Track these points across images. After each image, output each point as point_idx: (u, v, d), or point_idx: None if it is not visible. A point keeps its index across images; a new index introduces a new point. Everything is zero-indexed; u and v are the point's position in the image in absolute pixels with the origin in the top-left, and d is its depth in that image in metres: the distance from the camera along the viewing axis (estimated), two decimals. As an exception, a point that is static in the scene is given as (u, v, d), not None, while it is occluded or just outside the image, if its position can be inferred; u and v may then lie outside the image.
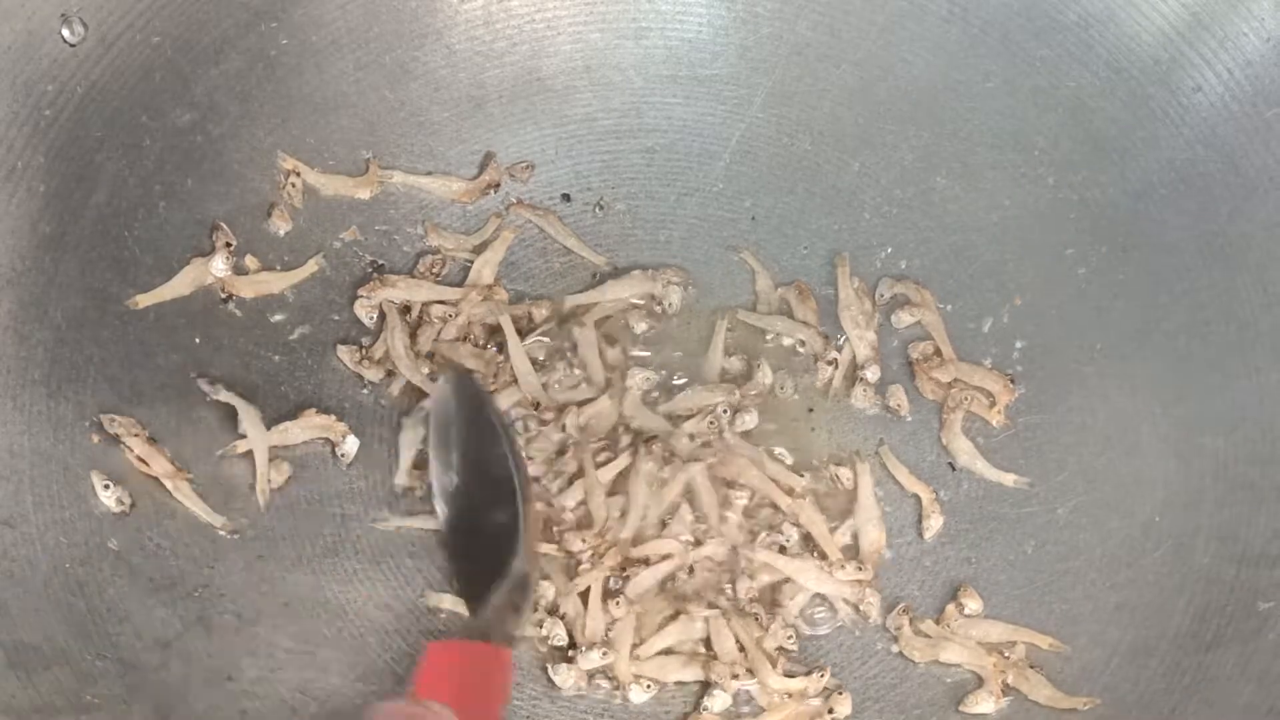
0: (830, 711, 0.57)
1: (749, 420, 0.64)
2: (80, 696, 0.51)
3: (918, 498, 0.63)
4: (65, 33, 0.57)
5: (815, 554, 0.61)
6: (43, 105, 0.57)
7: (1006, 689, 0.57)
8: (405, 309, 0.65)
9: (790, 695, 0.57)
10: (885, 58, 0.68)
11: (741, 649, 0.58)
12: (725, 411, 0.64)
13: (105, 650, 0.53)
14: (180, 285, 0.62)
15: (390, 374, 0.64)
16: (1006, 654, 0.58)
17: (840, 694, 0.57)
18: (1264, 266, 0.61)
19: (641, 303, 0.68)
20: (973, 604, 0.60)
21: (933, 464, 0.64)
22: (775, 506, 0.62)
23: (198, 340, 0.62)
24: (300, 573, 0.59)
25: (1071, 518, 0.62)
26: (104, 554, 0.55)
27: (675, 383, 0.66)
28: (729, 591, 0.60)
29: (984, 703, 0.57)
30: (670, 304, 0.68)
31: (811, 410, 0.65)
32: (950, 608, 0.60)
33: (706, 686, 0.58)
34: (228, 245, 0.63)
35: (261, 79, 0.64)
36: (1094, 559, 0.60)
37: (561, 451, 0.63)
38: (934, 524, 0.62)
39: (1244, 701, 0.54)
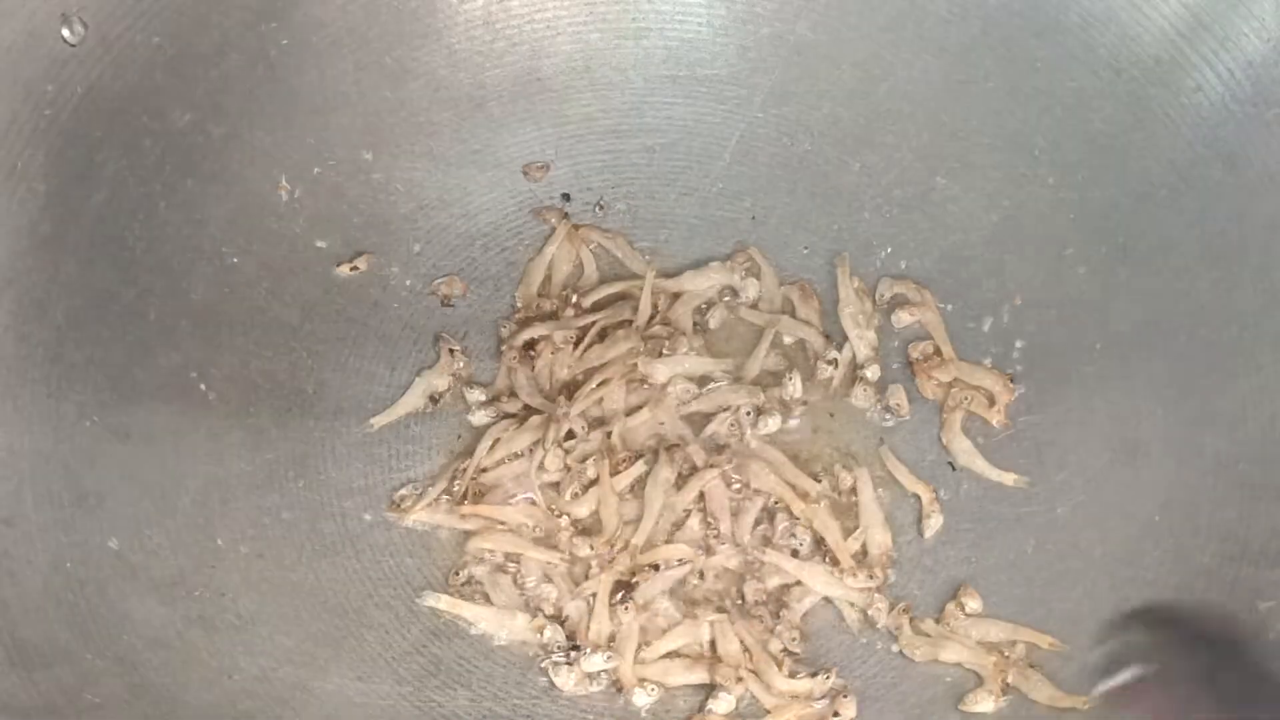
0: (835, 714, 0.57)
1: (771, 424, 0.64)
2: (80, 696, 0.51)
3: (918, 497, 0.63)
4: (65, 33, 0.57)
5: (826, 558, 0.61)
6: (43, 105, 0.57)
7: (1006, 688, 0.57)
8: (529, 344, 0.66)
9: (796, 697, 0.57)
10: (885, 58, 0.68)
11: (746, 651, 0.58)
12: (749, 414, 0.64)
13: (105, 650, 0.53)
14: (413, 400, 0.64)
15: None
16: (1007, 653, 0.58)
17: (845, 696, 0.57)
18: (1264, 266, 0.61)
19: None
20: (973, 603, 0.60)
21: (933, 463, 0.64)
22: (789, 511, 0.62)
23: (198, 340, 0.62)
24: (300, 572, 0.59)
25: (1071, 518, 0.62)
26: (104, 554, 0.55)
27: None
28: (735, 594, 0.61)
29: (984, 702, 0.57)
30: (747, 296, 0.68)
31: (833, 415, 0.65)
32: (951, 607, 0.60)
33: (711, 689, 0.58)
34: (451, 352, 0.65)
35: (261, 79, 0.64)
36: (1094, 559, 0.60)
37: (583, 458, 0.63)
38: (934, 523, 0.62)
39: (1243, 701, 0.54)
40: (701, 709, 0.58)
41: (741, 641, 0.59)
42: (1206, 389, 0.61)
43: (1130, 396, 0.63)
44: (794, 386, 0.65)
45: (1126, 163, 0.65)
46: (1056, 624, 0.59)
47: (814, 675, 0.58)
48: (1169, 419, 0.62)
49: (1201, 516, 0.59)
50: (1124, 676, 0.52)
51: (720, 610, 0.60)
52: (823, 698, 0.58)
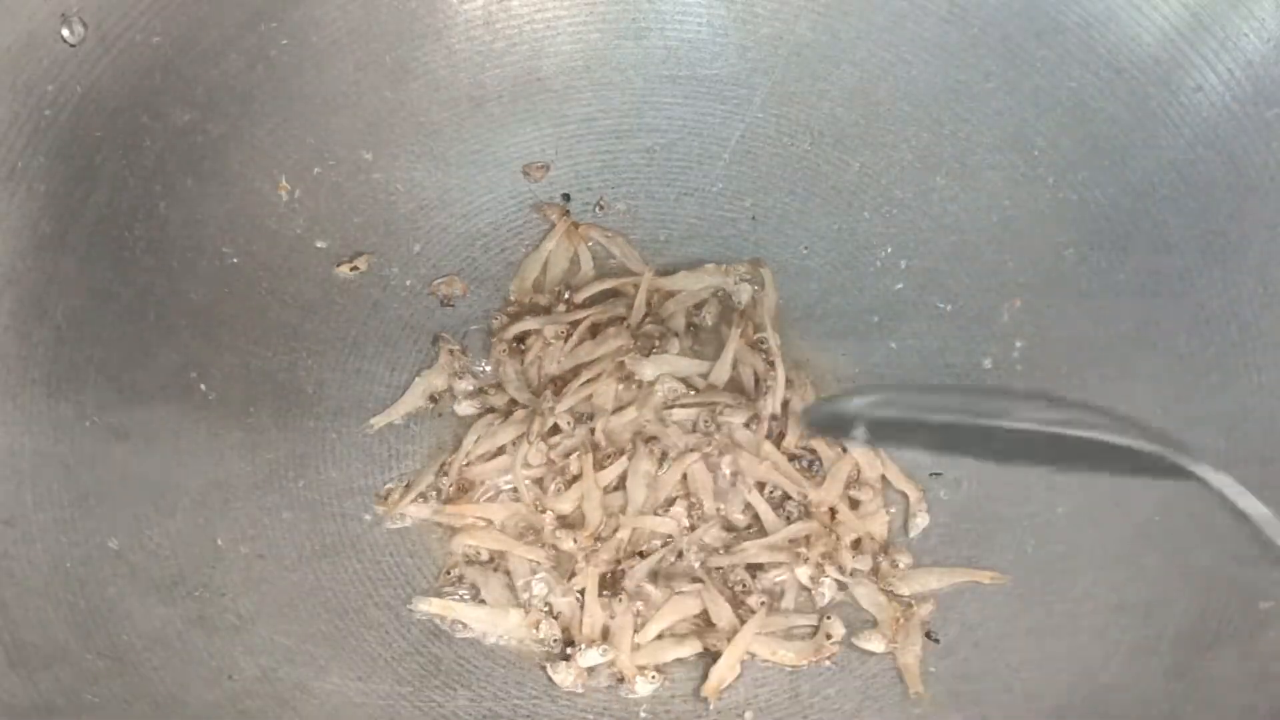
0: (828, 636, 0.59)
1: (736, 419, 0.64)
2: (80, 696, 0.51)
3: (905, 495, 0.63)
4: (65, 33, 0.57)
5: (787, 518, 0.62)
6: (43, 105, 0.57)
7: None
8: (519, 338, 0.66)
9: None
10: (885, 58, 0.68)
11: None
12: (727, 409, 0.64)
13: (105, 650, 0.53)
14: (412, 400, 0.65)
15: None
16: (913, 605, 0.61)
17: (829, 618, 0.59)
18: (1264, 266, 0.61)
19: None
20: (905, 559, 0.62)
21: (929, 464, 0.64)
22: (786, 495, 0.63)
23: (198, 340, 0.62)
24: (300, 572, 0.59)
25: (1071, 518, 0.62)
26: (104, 554, 0.55)
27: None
28: (712, 567, 0.61)
29: (874, 641, 0.60)
30: (739, 301, 0.68)
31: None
32: (885, 565, 0.62)
33: (710, 659, 0.58)
34: (451, 352, 0.65)
35: (261, 79, 0.64)
36: (1094, 559, 0.60)
37: (567, 454, 0.63)
38: (920, 522, 0.63)
39: (1244, 702, 0.54)
40: (702, 681, 0.58)
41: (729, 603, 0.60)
42: (1206, 389, 0.61)
43: (1130, 396, 0.63)
44: (775, 401, 0.64)
45: (1126, 163, 0.65)
46: (1056, 624, 0.59)
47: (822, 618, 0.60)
48: (1169, 419, 0.62)
49: (1201, 517, 0.59)
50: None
51: (696, 580, 0.60)
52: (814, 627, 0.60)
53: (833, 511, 0.62)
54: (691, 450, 0.62)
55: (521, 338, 0.66)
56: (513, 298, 0.68)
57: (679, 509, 0.62)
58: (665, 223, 0.70)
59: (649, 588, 0.60)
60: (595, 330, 0.66)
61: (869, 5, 0.67)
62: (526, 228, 0.70)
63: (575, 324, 0.66)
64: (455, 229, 0.69)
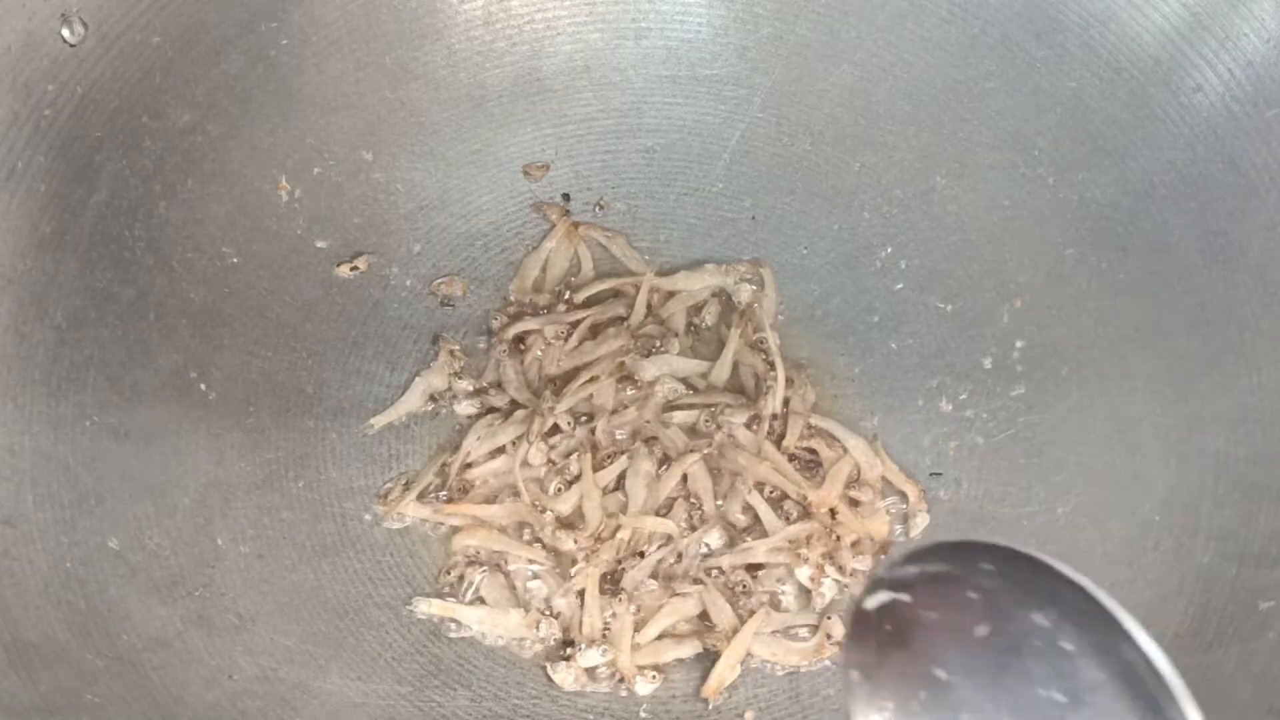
0: (828, 636, 0.59)
1: (738, 420, 0.64)
2: (80, 696, 0.51)
3: (905, 495, 0.63)
4: (65, 33, 0.57)
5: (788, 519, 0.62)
6: (43, 105, 0.57)
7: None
8: (519, 338, 0.66)
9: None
10: (885, 58, 0.68)
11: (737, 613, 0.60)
12: (727, 409, 0.64)
13: (105, 650, 0.53)
14: (412, 400, 0.65)
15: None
16: None
17: (829, 618, 0.59)
18: (1264, 266, 0.61)
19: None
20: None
21: (931, 464, 0.64)
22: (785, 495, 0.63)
23: (198, 340, 0.62)
24: (300, 572, 0.60)
25: (1071, 518, 0.62)
26: (104, 554, 0.55)
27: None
28: (713, 567, 0.61)
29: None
30: (739, 301, 0.68)
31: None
32: None
33: (710, 659, 0.59)
34: (451, 352, 0.66)
35: (261, 79, 0.64)
36: (1094, 559, 0.60)
37: (567, 454, 0.63)
38: (920, 522, 0.63)
39: (1244, 701, 0.54)
40: (702, 681, 0.58)
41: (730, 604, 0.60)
42: (1206, 389, 0.61)
43: (1130, 396, 0.63)
44: (774, 399, 0.64)
45: (1126, 163, 0.65)
46: (1056, 624, 0.59)
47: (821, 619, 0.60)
48: (1169, 419, 0.62)
49: (1201, 516, 0.59)
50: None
51: (697, 581, 0.60)
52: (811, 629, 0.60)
53: (833, 512, 0.62)
54: (691, 451, 0.62)
55: (521, 338, 0.66)
56: (513, 298, 0.68)
57: (679, 509, 0.62)
58: (665, 223, 0.70)
59: (649, 588, 0.60)
60: (595, 330, 0.66)
61: (869, 5, 0.67)
62: (526, 228, 0.70)
63: (575, 324, 0.66)
64: (455, 229, 0.69)
